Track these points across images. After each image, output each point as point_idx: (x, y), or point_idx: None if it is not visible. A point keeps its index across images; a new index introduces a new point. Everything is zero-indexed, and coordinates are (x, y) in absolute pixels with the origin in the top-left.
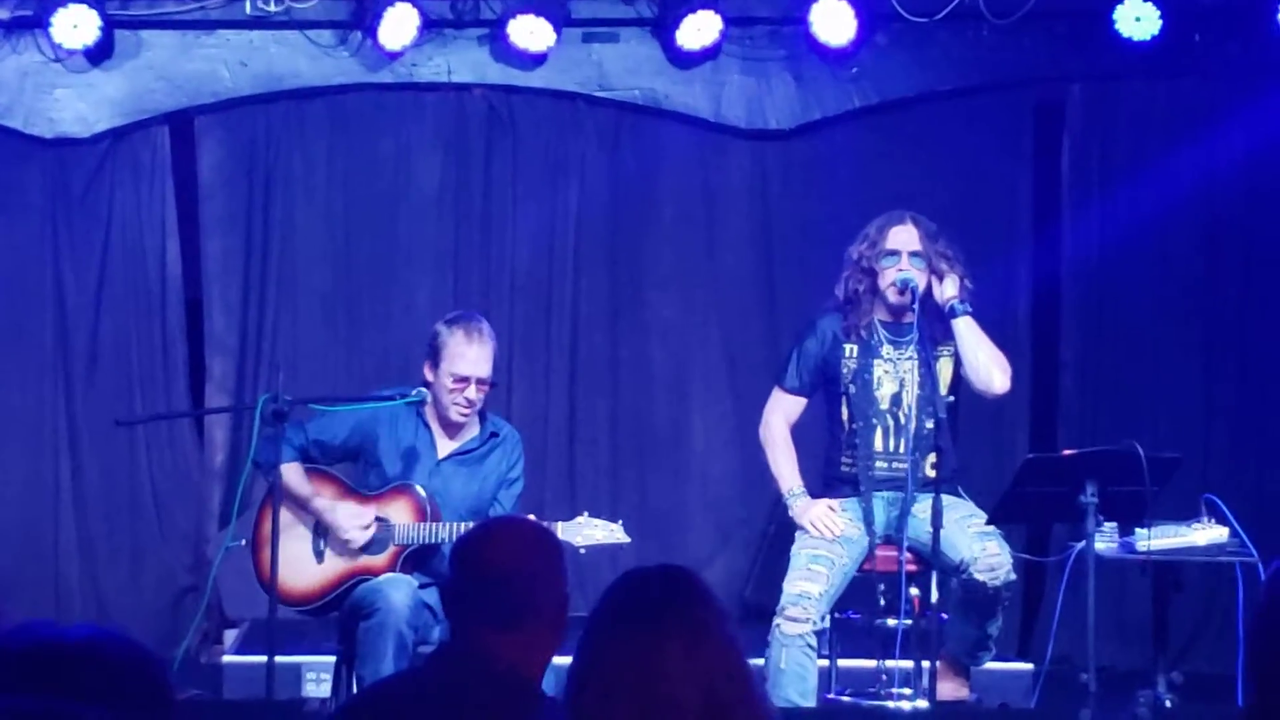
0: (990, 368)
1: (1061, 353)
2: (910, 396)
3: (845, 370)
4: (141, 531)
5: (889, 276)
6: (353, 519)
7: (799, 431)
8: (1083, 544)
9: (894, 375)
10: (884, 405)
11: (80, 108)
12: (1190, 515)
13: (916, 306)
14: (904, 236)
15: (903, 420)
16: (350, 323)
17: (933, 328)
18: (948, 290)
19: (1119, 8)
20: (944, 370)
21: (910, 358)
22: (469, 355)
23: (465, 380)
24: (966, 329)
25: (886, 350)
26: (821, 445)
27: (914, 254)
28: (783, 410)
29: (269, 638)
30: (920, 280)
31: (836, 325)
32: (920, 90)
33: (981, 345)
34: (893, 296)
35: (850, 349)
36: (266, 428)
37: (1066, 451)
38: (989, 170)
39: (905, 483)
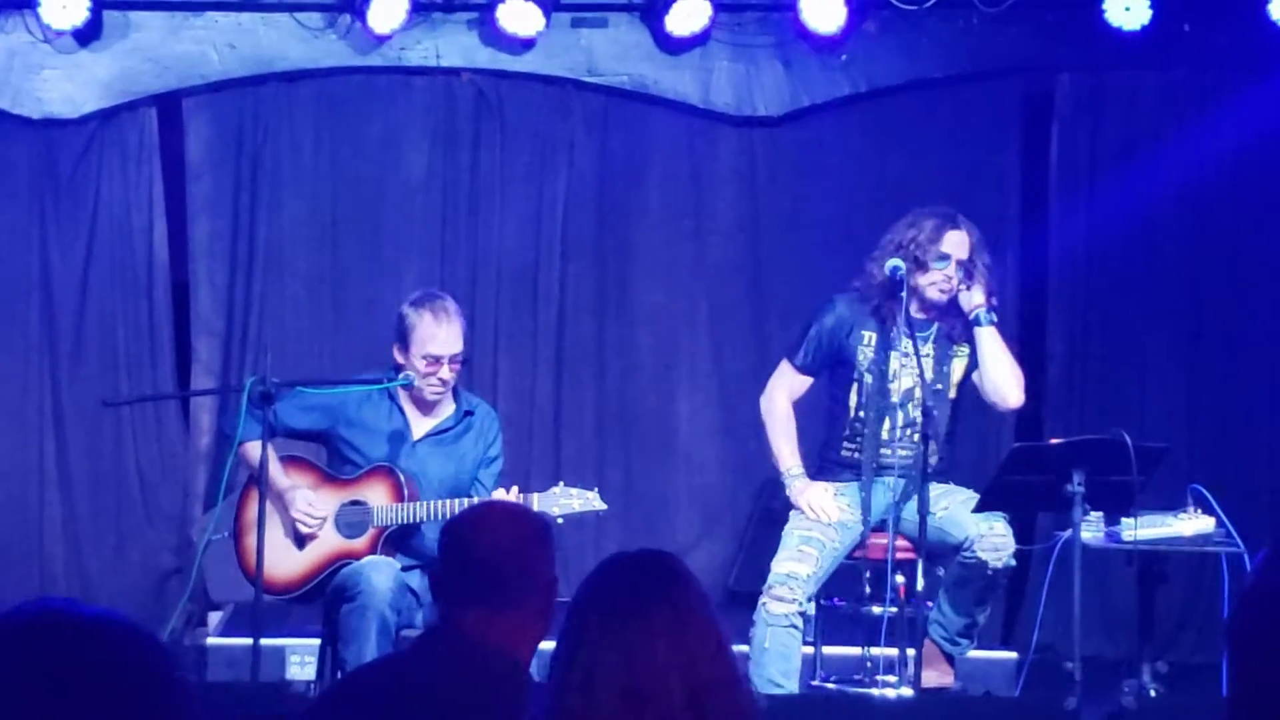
0: (1009, 381)
1: (1049, 342)
2: (921, 391)
3: (862, 357)
4: (127, 513)
5: (933, 277)
6: (307, 505)
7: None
8: (1069, 533)
9: (909, 369)
10: (895, 398)
11: (68, 88)
12: (1176, 505)
13: (904, 293)
14: (957, 241)
15: (912, 413)
16: (337, 306)
17: (951, 328)
18: (975, 298)
19: None
20: (956, 369)
21: (927, 355)
22: (440, 335)
23: (438, 360)
24: (990, 340)
25: (905, 344)
26: (819, 428)
27: (960, 262)
28: (788, 386)
29: (254, 620)
30: (956, 284)
31: (856, 309)
32: (909, 78)
33: (1003, 358)
34: (933, 295)
35: (869, 336)
36: (253, 409)
37: (1053, 441)
38: (977, 159)
39: (910, 470)
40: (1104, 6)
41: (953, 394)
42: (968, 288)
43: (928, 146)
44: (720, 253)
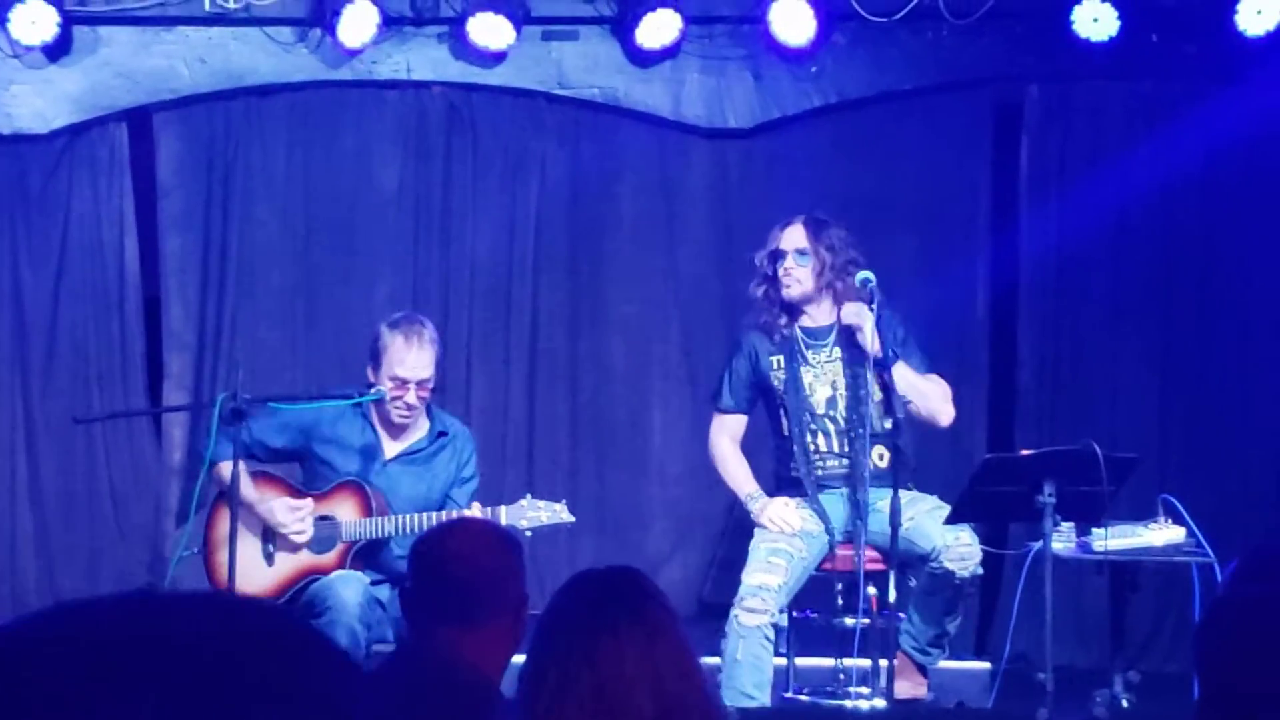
0: (935, 406)
1: (1019, 352)
2: (843, 399)
3: (776, 382)
4: (99, 529)
5: (780, 277)
6: (290, 513)
7: (751, 442)
8: (1040, 544)
9: (824, 379)
10: (820, 410)
11: (38, 104)
12: (1147, 515)
13: (875, 305)
14: (792, 236)
15: (842, 422)
16: (309, 320)
17: (852, 335)
18: (869, 341)
19: (1077, 8)
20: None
21: (833, 359)
22: (409, 359)
23: (405, 383)
24: (902, 376)
25: (810, 355)
26: (770, 454)
27: (800, 252)
28: (726, 431)
29: None
30: (806, 275)
31: (760, 339)
32: (879, 90)
33: (921, 387)
34: (783, 292)
35: (776, 360)
36: (225, 426)
37: (1024, 451)
38: (947, 170)
39: (855, 480)
40: (1072, 18)
41: (878, 395)
42: (836, 297)
43: (898, 157)
44: (692, 264)
